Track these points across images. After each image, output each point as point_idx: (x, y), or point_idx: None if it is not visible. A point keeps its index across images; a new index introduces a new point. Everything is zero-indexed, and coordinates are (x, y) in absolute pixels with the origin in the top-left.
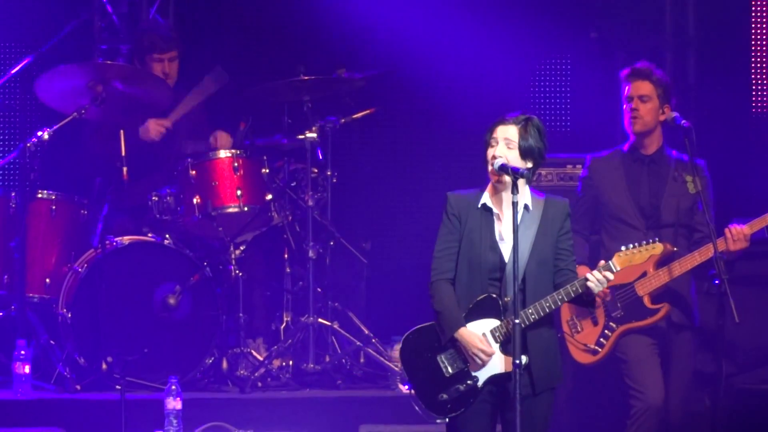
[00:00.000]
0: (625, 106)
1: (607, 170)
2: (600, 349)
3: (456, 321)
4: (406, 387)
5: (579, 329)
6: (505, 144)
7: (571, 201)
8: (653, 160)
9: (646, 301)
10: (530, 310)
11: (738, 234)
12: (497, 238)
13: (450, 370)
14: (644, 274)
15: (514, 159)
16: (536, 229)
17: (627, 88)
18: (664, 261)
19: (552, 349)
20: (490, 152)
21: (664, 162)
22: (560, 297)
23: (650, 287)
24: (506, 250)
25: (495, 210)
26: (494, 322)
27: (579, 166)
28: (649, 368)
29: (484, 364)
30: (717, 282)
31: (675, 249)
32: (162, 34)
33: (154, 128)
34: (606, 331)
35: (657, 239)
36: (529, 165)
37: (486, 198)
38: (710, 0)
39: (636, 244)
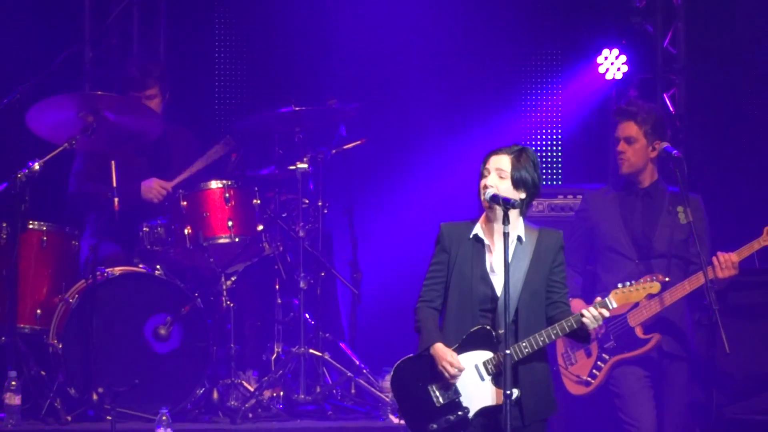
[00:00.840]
0: (615, 146)
1: (602, 203)
2: (592, 381)
3: (433, 338)
4: (397, 417)
5: (573, 361)
6: (498, 174)
7: (563, 232)
8: (648, 193)
9: (638, 331)
10: (524, 344)
11: (726, 261)
12: (488, 269)
13: (441, 400)
14: (636, 305)
15: (506, 189)
16: (529, 261)
17: (617, 127)
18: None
19: (544, 381)
20: (483, 182)
21: (658, 195)
22: (555, 332)
23: (642, 317)
24: (497, 281)
25: (486, 241)
26: (487, 354)
27: (570, 197)
28: (642, 402)
29: (452, 378)
30: (709, 313)
31: (667, 279)
32: (142, 70)
33: (157, 190)
34: (599, 362)
35: (655, 278)
36: (522, 196)
37: (478, 229)
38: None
39: (633, 281)
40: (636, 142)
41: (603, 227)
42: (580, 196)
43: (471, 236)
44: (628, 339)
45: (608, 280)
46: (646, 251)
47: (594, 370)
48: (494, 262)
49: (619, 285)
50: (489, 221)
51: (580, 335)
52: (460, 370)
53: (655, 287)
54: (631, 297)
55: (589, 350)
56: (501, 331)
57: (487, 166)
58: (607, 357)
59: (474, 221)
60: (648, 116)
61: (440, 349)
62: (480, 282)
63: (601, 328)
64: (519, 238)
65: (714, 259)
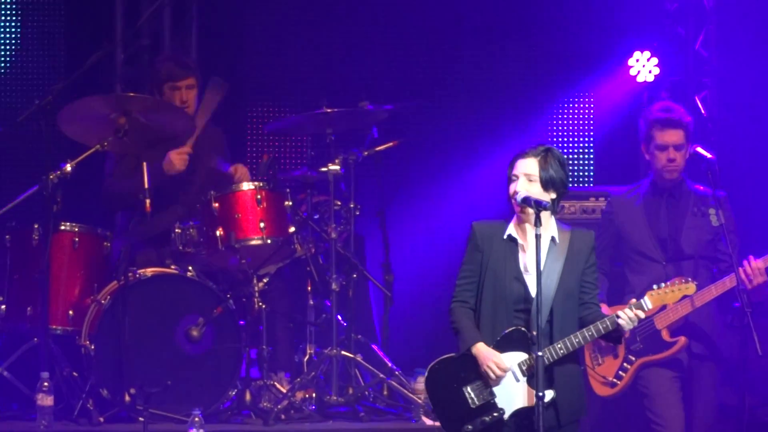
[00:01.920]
0: (658, 154)
1: (628, 206)
2: (618, 382)
3: (473, 337)
4: (429, 419)
5: (600, 362)
6: (526, 178)
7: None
8: (672, 194)
9: (665, 334)
10: (559, 345)
11: (755, 270)
12: (522, 269)
13: (476, 401)
14: (663, 307)
15: (537, 192)
16: (563, 262)
17: (658, 135)
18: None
19: (577, 382)
20: (512, 188)
21: (683, 195)
22: (590, 333)
23: (669, 320)
24: (531, 281)
25: (520, 241)
26: (522, 356)
27: (602, 199)
28: (670, 402)
29: (497, 380)
30: (749, 311)
31: (695, 283)
32: (178, 62)
33: (177, 158)
34: (625, 364)
35: (690, 279)
36: (553, 196)
37: (511, 229)
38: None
39: (669, 282)
40: (683, 148)
41: (628, 230)
42: (612, 191)
43: (504, 236)
44: (655, 341)
45: (636, 283)
46: (673, 253)
47: (620, 372)
48: (528, 262)
49: (654, 286)
50: (521, 222)
51: (613, 337)
52: (506, 371)
53: (691, 288)
54: (666, 298)
55: (616, 352)
56: (535, 332)
57: (515, 171)
58: (633, 359)
59: (506, 221)
60: (689, 121)
61: (484, 350)
62: (514, 281)
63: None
64: (553, 239)
65: (741, 271)
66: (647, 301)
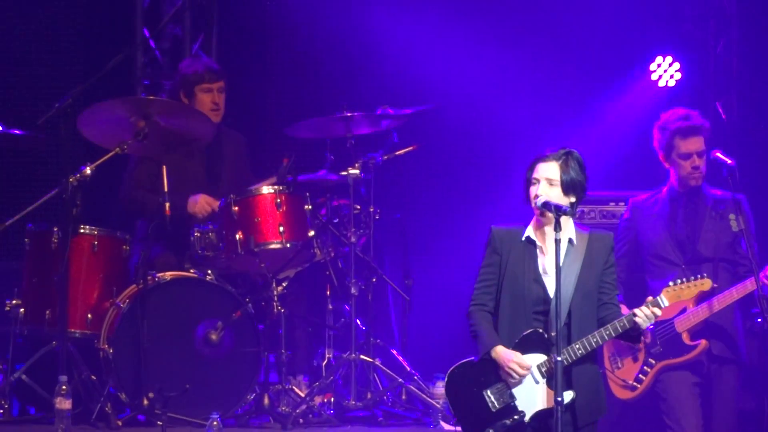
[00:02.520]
0: (682, 162)
1: (646, 211)
2: (638, 385)
3: (492, 340)
4: (449, 424)
5: (619, 365)
6: (547, 183)
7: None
8: (689, 198)
9: (685, 337)
10: (577, 346)
11: None
12: (541, 271)
13: (497, 405)
14: (684, 311)
15: (557, 196)
16: (581, 263)
17: (681, 144)
18: (703, 297)
19: (596, 383)
20: (532, 191)
21: (701, 198)
22: (608, 332)
23: (689, 324)
24: (550, 283)
25: (539, 243)
26: (541, 357)
27: (622, 204)
28: (688, 408)
29: (519, 380)
30: (760, 320)
31: (715, 285)
32: (209, 65)
33: (203, 207)
34: (645, 367)
35: (705, 275)
36: (572, 199)
37: (530, 231)
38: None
39: (684, 279)
40: (704, 153)
41: (647, 235)
42: (631, 198)
43: (523, 239)
44: (675, 344)
45: (656, 287)
46: (692, 255)
47: (640, 375)
48: (547, 264)
49: (670, 283)
50: (540, 225)
51: (632, 335)
52: (528, 370)
53: (707, 284)
54: (683, 294)
55: (636, 355)
56: (553, 334)
57: (536, 174)
58: (653, 362)
59: (524, 225)
60: (708, 126)
61: (503, 352)
62: (533, 284)
63: (646, 336)
64: (570, 241)
65: (762, 275)
66: (663, 298)
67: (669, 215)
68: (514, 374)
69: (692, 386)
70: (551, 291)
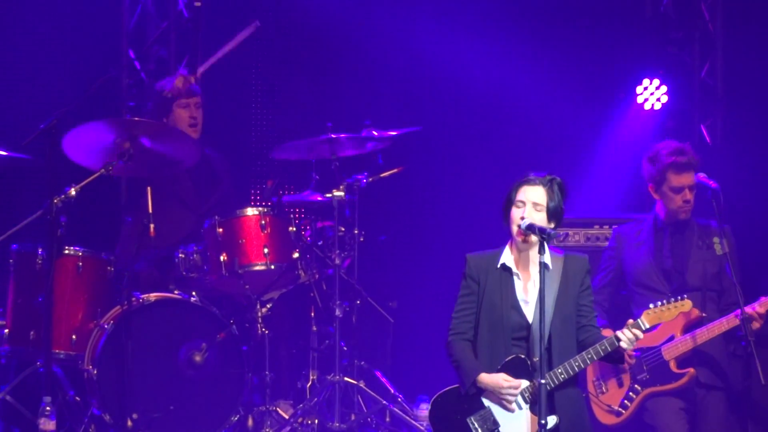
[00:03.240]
0: (674, 196)
1: (632, 239)
2: (624, 411)
3: (475, 368)
4: None
5: (604, 390)
6: (534, 207)
7: (597, 263)
8: (677, 227)
9: (672, 365)
10: (560, 370)
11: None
12: (519, 298)
13: (480, 431)
14: (671, 338)
15: (541, 221)
16: (558, 287)
17: (674, 178)
18: (691, 327)
19: (579, 407)
20: (517, 213)
21: (687, 227)
22: (590, 356)
23: (676, 352)
24: (528, 310)
25: (515, 269)
26: (524, 383)
27: (606, 227)
28: None
29: (516, 407)
30: (744, 344)
31: (704, 315)
32: (186, 81)
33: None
34: (630, 393)
35: (685, 296)
36: (552, 225)
37: (506, 257)
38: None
39: (665, 300)
40: (695, 187)
41: (633, 264)
42: (616, 227)
43: (499, 266)
44: (662, 372)
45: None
46: (678, 285)
47: (626, 401)
48: (525, 291)
49: (651, 305)
50: (518, 250)
51: (614, 357)
52: (518, 388)
53: (687, 305)
54: (663, 316)
55: (621, 380)
56: (536, 359)
57: (521, 197)
58: (639, 388)
59: (499, 251)
60: (699, 161)
61: (489, 379)
62: (511, 311)
63: (631, 358)
64: (545, 265)
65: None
66: (644, 321)
67: (655, 244)
68: (509, 397)
69: (680, 412)
70: (530, 317)
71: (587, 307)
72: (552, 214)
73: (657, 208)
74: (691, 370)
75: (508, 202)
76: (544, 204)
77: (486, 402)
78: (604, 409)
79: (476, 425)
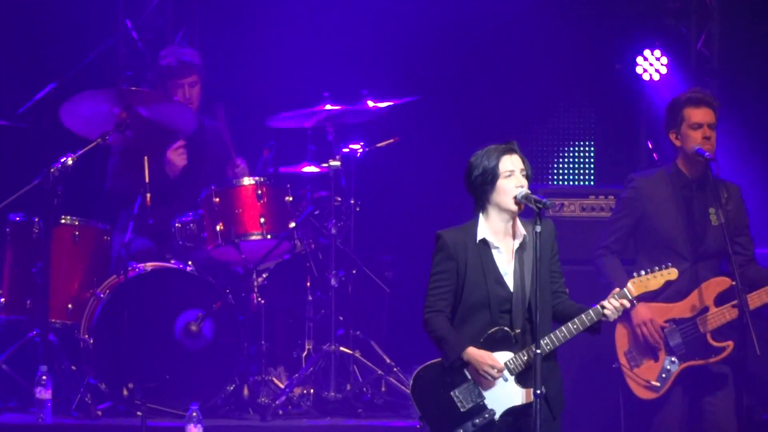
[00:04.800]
0: (692, 133)
1: (655, 193)
2: (662, 386)
3: (460, 342)
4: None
5: (638, 363)
6: (521, 174)
7: (596, 233)
8: (700, 186)
9: (709, 338)
10: (546, 341)
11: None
12: (502, 272)
13: (465, 404)
14: (705, 310)
15: (526, 187)
16: (532, 256)
17: (693, 113)
18: (725, 297)
19: (559, 376)
20: (510, 183)
21: (709, 188)
22: (575, 326)
23: (715, 324)
24: (510, 282)
25: (495, 243)
26: (508, 355)
27: (602, 197)
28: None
29: (494, 383)
30: (740, 314)
31: (733, 283)
32: (182, 60)
33: (176, 156)
34: (668, 367)
35: (670, 264)
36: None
37: (483, 231)
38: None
39: (649, 270)
40: (714, 129)
41: (658, 221)
42: (612, 197)
43: (478, 241)
44: (700, 346)
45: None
46: (701, 252)
47: (663, 374)
48: (505, 263)
49: (635, 274)
50: (499, 222)
51: (594, 328)
52: (502, 371)
53: (673, 273)
54: (650, 285)
55: (657, 354)
56: (518, 330)
57: (508, 167)
58: (676, 361)
59: (471, 224)
60: (719, 106)
61: (476, 353)
62: (496, 285)
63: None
64: (537, 234)
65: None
66: (630, 289)
67: (681, 204)
68: (489, 376)
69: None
70: (512, 289)
71: (557, 273)
72: (529, 177)
73: (678, 161)
74: (731, 343)
75: (490, 175)
76: (526, 169)
77: (470, 375)
78: (641, 384)
79: (461, 398)
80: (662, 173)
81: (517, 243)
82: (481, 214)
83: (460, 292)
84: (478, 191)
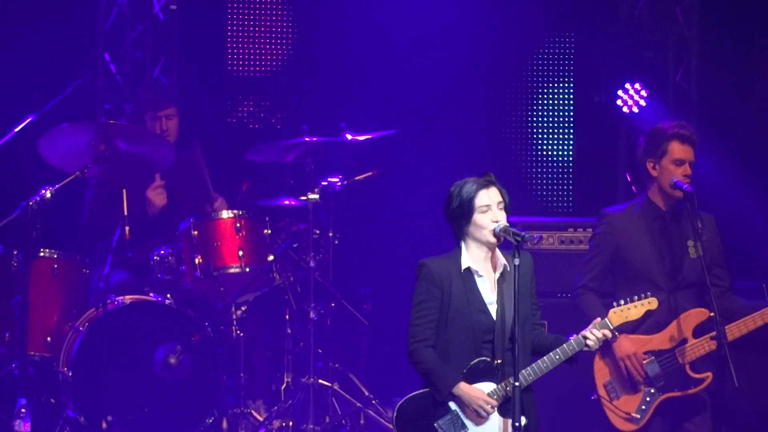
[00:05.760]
0: (674, 168)
1: (628, 227)
2: (642, 418)
3: (451, 377)
4: None
5: (617, 395)
6: (498, 207)
7: (574, 265)
8: (673, 217)
9: (688, 369)
10: (527, 371)
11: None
12: (486, 301)
13: None
14: (684, 342)
15: (504, 219)
16: (514, 287)
17: (678, 149)
18: (703, 329)
19: (535, 406)
20: (486, 218)
21: (683, 219)
22: (557, 357)
23: (693, 356)
24: (494, 311)
25: (480, 272)
26: (490, 386)
27: (580, 230)
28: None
29: (486, 417)
30: (718, 346)
31: (711, 314)
32: (158, 92)
33: (155, 195)
34: (647, 398)
35: (650, 293)
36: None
37: (467, 260)
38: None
39: (628, 299)
40: (692, 167)
41: (632, 254)
42: (591, 230)
43: (462, 270)
44: (678, 377)
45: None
46: (678, 282)
47: (643, 406)
48: (489, 292)
49: (614, 304)
50: (478, 252)
51: (572, 358)
52: (494, 408)
53: (653, 303)
54: (630, 315)
55: (635, 385)
56: (499, 361)
57: (485, 201)
58: (655, 393)
59: (454, 254)
60: (698, 138)
61: (469, 389)
62: (480, 314)
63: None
64: (516, 267)
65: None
66: (610, 320)
67: (654, 236)
68: (482, 412)
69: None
70: (496, 318)
71: (535, 305)
72: (507, 208)
73: (650, 192)
74: (710, 374)
75: (467, 209)
76: (504, 201)
77: (453, 406)
78: (621, 416)
79: (444, 428)
80: (633, 206)
81: (497, 274)
82: (462, 244)
83: (444, 321)
84: (456, 223)
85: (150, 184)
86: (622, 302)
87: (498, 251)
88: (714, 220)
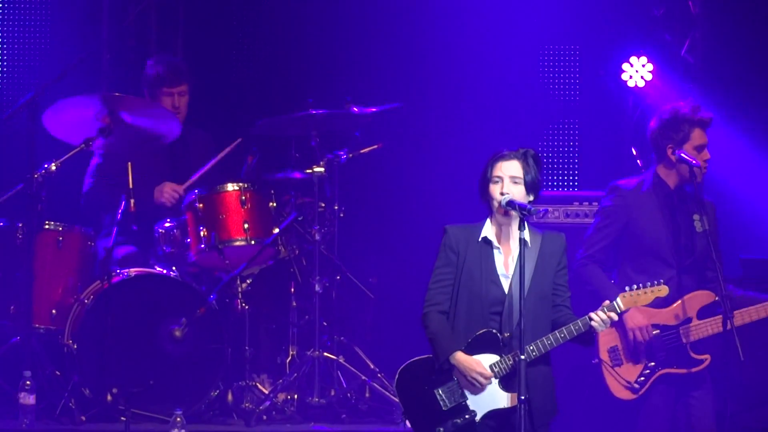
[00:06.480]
0: (696, 154)
1: (640, 202)
2: (641, 388)
3: (451, 345)
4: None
5: (620, 362)
6: (511, 180)
7: (579, 238)
8: (680, 197)
9: (689, 349)
10: (532, 347)
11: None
12: (499, 272)
13: (447, 403)
14: (688, 321)
15: (520, 194)
16: (534, 265)
17: (699, 135)
18: (708, 311)
19: (549, 384)
20: (495, 189)
21: (687, 197)
22: (562, 335)
23: (697, 336)
24: (507, 284)
25: (496, 243)
26: (493, 357)
27: (586, 204)
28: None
29: (482, 388)
30: (724, 320)
31: (716, 298)
32: (172, 68)
33: (169, 193)
34: (647, 371)
35: (662, 281)
36: (531, 198)
37: (487, 231)
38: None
39: (641, 285)
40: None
41: (643, 230)
42: (596, 203)
43: (480, 239)
44: (680, 355)
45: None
46: (686, 260)
47: (642, 377)
48: (504, 265)
49: (626, 288)
50: (499, 225)
51: (584, 339)
52: (489, 380)
53: (663, 290)
54: (639, 300)
55: (637, 355)
56: (507, 335)
57: (498, 172)
58: (654, 365)
59: (479, 224)
60: None
61: (465, 360)
62: (491, 284)
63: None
64: (525, 242)
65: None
66: (619, 303)
67: (665, 213)
68: (477, 383)
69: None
70: (508, 291)
71: (563, 286)
72: (530, 186)
73: (659, 169)
74: (708, 356)
75: (484, 179)
76: (522, 177)
77: (455, 376)
78: (621, 383)
79: (443, 397)
80: (643, 183)
81: (517, 248)
82: (489, 216)
83: (456, 286)
84: (482, 191)
85: (154, 156)
86: (635, 287)
87: (527, 226)
88: (714, 208)
